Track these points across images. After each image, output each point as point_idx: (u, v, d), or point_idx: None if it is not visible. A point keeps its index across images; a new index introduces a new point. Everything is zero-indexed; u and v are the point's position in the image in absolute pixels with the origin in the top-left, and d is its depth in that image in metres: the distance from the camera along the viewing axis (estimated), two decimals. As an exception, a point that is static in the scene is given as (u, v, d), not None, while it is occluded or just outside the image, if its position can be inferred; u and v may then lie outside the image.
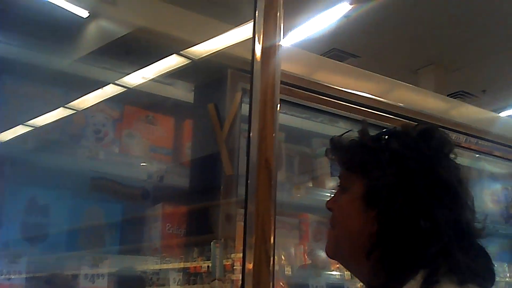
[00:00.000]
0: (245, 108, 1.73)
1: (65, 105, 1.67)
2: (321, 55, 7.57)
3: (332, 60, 2.86)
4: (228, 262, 1.65)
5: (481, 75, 8.16)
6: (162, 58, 1.74)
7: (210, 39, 1.68)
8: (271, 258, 1.01)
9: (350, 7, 6.43)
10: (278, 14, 1.15)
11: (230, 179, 1.70)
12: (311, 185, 2.31)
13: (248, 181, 1.06)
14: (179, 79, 1.83)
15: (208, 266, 1.66)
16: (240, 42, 1.75)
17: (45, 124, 1.68)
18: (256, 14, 1.14)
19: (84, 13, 1.61)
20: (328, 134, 2.31)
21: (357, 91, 2.06)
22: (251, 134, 1.08)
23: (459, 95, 8.15)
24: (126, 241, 1.81)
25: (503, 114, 6.68)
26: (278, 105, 1.10)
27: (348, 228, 1.06)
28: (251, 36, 1.16)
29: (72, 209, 1.72)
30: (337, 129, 2.23)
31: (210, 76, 1.77)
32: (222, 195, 1.70)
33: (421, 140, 1.06)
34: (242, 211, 1.07)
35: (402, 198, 0.99)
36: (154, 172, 1.87)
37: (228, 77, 1.70)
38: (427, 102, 2.71)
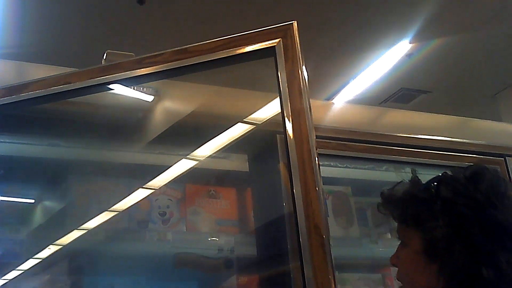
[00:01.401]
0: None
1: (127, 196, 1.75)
2: (390, 96, 7.48)
3: (387, 108, 2.82)
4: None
5: None
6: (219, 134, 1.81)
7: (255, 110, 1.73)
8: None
9: (410, 45, 6.36)
10: (301, 78, 1.17)
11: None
12: (390, 237, 2.22)
13: (302, 252, 1.06)
14: (232, 152, 1.88)
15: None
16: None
17: (115, 215, 1.77)
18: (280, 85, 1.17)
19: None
20: (396, 181, 2.24)
21: (413, 134, 2.01)
22: (295, 201, 1.08)
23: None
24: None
25: None
26: (318, 167, 1.10)
27: (416, 284, 1.02)
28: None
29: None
30: (404, 174, 2.15)
31: (261, 144, 1.80)
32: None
33: (471, 184, 1.01)
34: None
35: (459, 248, 0.94)
36: (224, 244, 1.89)
37: (278, 142, 1.72)
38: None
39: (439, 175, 1.07)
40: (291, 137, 1.12)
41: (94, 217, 1.77)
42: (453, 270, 0.94)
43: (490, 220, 0.95)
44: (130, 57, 1.63)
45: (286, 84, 1.15)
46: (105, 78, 1.29)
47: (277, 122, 1.77)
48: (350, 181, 2.15)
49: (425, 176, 2.19)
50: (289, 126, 1.13)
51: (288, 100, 1.14)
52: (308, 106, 1.14)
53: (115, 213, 1.79)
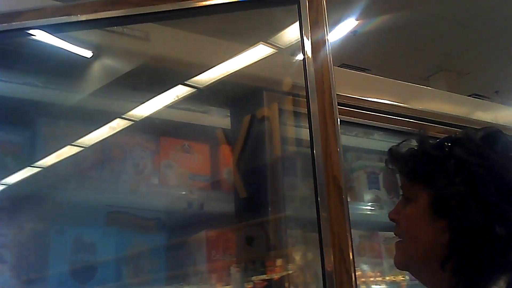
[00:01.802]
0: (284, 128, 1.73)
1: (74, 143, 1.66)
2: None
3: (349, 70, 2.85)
4: (249, 286, 1.65)
5: (492, 76, 8.13)
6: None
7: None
8: (353, 276, 0.98)
9: (356, 23, 6.47)
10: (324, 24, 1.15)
11: (244, 202, 1.71)
12: (349, 199, 2.28)
13: (319, 201, 1.05)
14: (213, 106, 1.84)
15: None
16: (270, 62, 1.77)
17: (85, 162, 1.68)
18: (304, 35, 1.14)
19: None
20: (362, 147, 2.29)
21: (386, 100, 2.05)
22: (314, 152, 1.07)
23: (472, 98, 8.13)
24: (171, 272, 1.79)
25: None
26: (338, 120, 1.10)
27: (419, 239, 1.03)
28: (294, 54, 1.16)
29: (118, 244, 1.70)
30: (373, 141, 2.21)
31: (244, 100, 1.77)
32: (237, 218, 1.70)
33: (486, 145, 1.04)
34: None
35: (474, 206, 0.96)
36: (195, 199, 1.85)
37: (264, 99, 1.70)
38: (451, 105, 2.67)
39: (452, 136, 1.09)
40: (314, 88, 1.09)
41: (62, 161, 1.67)
42: (464, 226, 0.96)
43: (503, 181, 0.98)
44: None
45: (310, 34, 1.12)
46: (115, 12, 1.20)
47: (264, 78, 1.76)
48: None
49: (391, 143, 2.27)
50: (311, 77, 1.10)
51: (311, 51, 1.11)
52: (331, 58, 1.12)
53: (87, 158, 1.70)
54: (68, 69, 1.58)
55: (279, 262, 1.66)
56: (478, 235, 0.95)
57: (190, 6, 1.19)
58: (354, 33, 6.66)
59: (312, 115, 1.09)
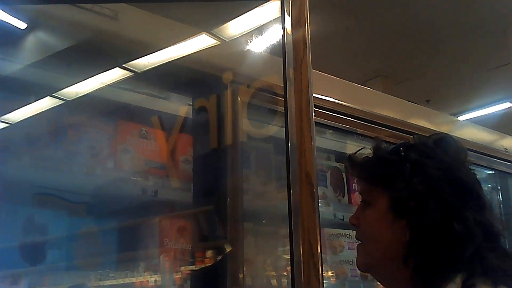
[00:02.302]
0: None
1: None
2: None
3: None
4: (177, 276, 1.68)
5: (424, 85, 8.54)
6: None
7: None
8: (320, 270, 1.03)
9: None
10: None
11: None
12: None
13: (291, 199, 1.08)
14: (175, 92, 1.83)
15: (155, 280, 1.67)
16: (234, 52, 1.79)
17: (40, 142, 1.62)
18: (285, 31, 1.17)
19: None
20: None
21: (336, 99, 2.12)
22: (289, 147, 1.10)
23: (408, 102, 8.50)
24: (124, 258, 1.78)
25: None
26: (313, 119, 1.13)
27: (380, 241, 1.09)
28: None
29: (69, 227, 1.67)
30: (323, 140, 2.28)
31: (208, 89, 1.77)
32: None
33: (439, 148, 1.13)
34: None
35: (432, 204, 1.04)
36: (149, 186, 1.84)
37: (228, 91, 1.71)
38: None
39: (406, 142, 1.17)
40: (292, 85, 1.12)
41: (15, 141, 1.61)
42: (423, 224, 1.03)
43: (458, 181, 1.07)
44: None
45: (291, 31, 1.15)
46: None
47: (230, 70, 1.77)
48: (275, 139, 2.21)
49: (339, 142, 2.35)
50: (290, 74, 1.13)
51: (292, 47, 1.14)
52: (310, 56, 1.15)
53: (42, 140, 1.64)
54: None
55: (209, 253, 1.69)
56: (437, 232, 1.02)
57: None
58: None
59: (289, 112, 1.12)
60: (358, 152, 1.20)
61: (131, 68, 1.71)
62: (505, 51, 7.09)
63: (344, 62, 7.77)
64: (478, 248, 1.01)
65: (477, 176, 1.13)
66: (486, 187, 2.64)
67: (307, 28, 1.17)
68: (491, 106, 8.38)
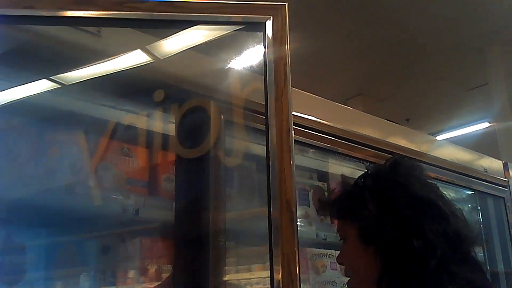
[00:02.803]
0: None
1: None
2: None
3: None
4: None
5: (404, 104, 8.68)
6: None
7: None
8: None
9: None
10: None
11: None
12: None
13: (271, 223, 1.09)
14: (157, 110, 1.82)
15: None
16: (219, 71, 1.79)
17: (20, 159, 1.59)
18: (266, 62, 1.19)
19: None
20: (295, 164, 2.36)
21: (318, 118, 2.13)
22: (270, 175, 1.11)
23: (389, 122, 8.62)
24: (102, 277, 1.74)
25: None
26: (293, 147, 1.15)
27: (358, 272, 1.13)
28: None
29: (47, 246, 1.63)
30: (305, 158, 2.29)
31: (191, 108, 1.77)
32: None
33: (391, 170, 1.17)
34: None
35: (390, 225, 1.06)
36: (130, 205, 1.82)
37: (211, 109, 1.71)
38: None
39: (364, 172, 1.21)
40: (273, 115, 1.15)
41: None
42: (387, 247, 1.06)
43: (412, 196, 1.10)
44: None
45: (273, 62, 1.18)
46: (79, 13, 1.17)
47: (214, 89, 1.77)
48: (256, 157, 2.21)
49: (322, 162, 2.36)
50: (271, 104, 1.15)
51: (273, 78, 1.17)
52: (290, 88, 1.18)
53: (21, 157, 1.61)
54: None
55: (131, 273, 1.69)
56: (399, 250, 1.04)
57: (163, 19, 1.20)
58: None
59: (270, 138, 1.13)
60: (328, 194, 1.26)
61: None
62: (483, 71, 7.25)
63: (326, 80, 7.87)
64: (442, 260, 1.03)
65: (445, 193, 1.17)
66: (466, 207, 2.67)
67: (288, 58, 1.20)
68: (470, 125, 8.54)
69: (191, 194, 1.73)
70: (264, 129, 1.17)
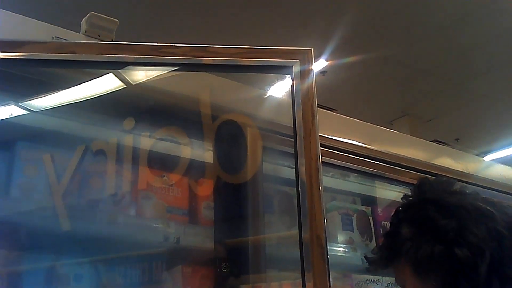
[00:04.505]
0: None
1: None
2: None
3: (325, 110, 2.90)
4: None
5: (454, 124, 8.45)
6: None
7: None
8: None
9: (326, 63, 6.65)
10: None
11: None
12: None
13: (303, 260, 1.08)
14: (196, 139, 1.83)
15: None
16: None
17: (64, 190, 1.63)
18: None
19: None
20: (338, 188, 2.33)
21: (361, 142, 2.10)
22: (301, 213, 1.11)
23: (435, 143, 8.41)
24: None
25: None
26: (322, 185, 1.16)
27: None
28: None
29: (91, 277, 1.65)
30: (348, 183, 2.25)
31: (229, 135, 1.78)
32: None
33: (418, 191, 1.12)
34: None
35: (431, 243, 0.99)
36: (171, 233, 1.82)
37: (248, 136, 1.72)
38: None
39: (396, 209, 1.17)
40: (302, 155, 1.17)
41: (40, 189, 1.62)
42: (438, 268, 0.99)
43: (443, 206, 1.03)
44: (114, 23, 1.53)
45: (301, 104, 1.21)
46: (117, 57, 1.22)
47: (249, 116, 1.78)
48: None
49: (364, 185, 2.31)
50: (300, 144, 1.17)
51: (302, 119, 1.19)
52: (318, 127, 1.19)
53: (64, 188, 1.65)
54: None
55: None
56: (446, 265, 0.97)
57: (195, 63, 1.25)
58: (323, 73, 6.84)
59: (299, 177, 1.15)
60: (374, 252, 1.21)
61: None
62: (533, 88, 7.00)
63: (372, 100, 7.79)
64: (493, 263, 0.95)
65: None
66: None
67: (315, 99, 1.22)
68: (522, 143, 8.21)
69: (231, 220, 1.73)
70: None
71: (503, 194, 2.39)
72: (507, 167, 2.82)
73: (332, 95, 7.44)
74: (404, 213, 1.10)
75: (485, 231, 0.96)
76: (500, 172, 2.64)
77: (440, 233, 0.99)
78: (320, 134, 1.95)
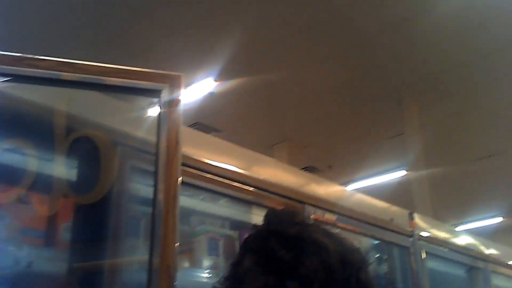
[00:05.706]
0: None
1: None
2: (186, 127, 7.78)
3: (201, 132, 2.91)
4: None
5: (327, 151, 8.93)
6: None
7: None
8: None
9: (215, 84, 6.73)
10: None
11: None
12: (188, 265, 2.25)
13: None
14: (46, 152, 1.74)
15: None
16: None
17: None
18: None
19: None
20: (208, 212, 2.33)
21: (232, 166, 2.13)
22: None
23: (308, 170, 8.82)
24: None
25: (348, 188, 7.34)
26: (177, 213, 1.16)
27: None
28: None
29: None
30: (217, 207, 2.26)
31: (82, 152, 1.71)
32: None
33: (263, 224, 1.09)
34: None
35: (265, 274, 0.97)
36: (23, 257, 1.70)
37: (102, 154, 1.66)
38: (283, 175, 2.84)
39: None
40: (162, 186, 1.16)
41: None
42: None
43: (282, 237, 1.01)
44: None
45: (167, 129, 1.22)
46: None
47: (109, 133, 1.72)
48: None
49: (234, 210, 2.34)
50: (162, 176, 1.17)
51: (166, 145, 1.19)
52: (181, 155, 1.20)
53: None
54: None
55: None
56: None
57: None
58: (211, 93, 6.90)
59: (156, 203, 1.14)
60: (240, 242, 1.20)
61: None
62: (399, 122, 7.63)
63: (256, 124, 7.97)
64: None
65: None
66: (373, 257, 2.72)
67: (180, 126, 1.23)
68: (389, 173, 8.87)
69: (86, 243, 1.65)
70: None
71: (361, 223, 2.54)
72: (368, 196, 3.02)
73: (218, 117, 7.53)
74: (249, 243, 1.09)
75: (317, 264, 0.96)
76: (359, 201, 2.82)
77: (276, 265, 0.98)
78: (193, 157, 1.99)
